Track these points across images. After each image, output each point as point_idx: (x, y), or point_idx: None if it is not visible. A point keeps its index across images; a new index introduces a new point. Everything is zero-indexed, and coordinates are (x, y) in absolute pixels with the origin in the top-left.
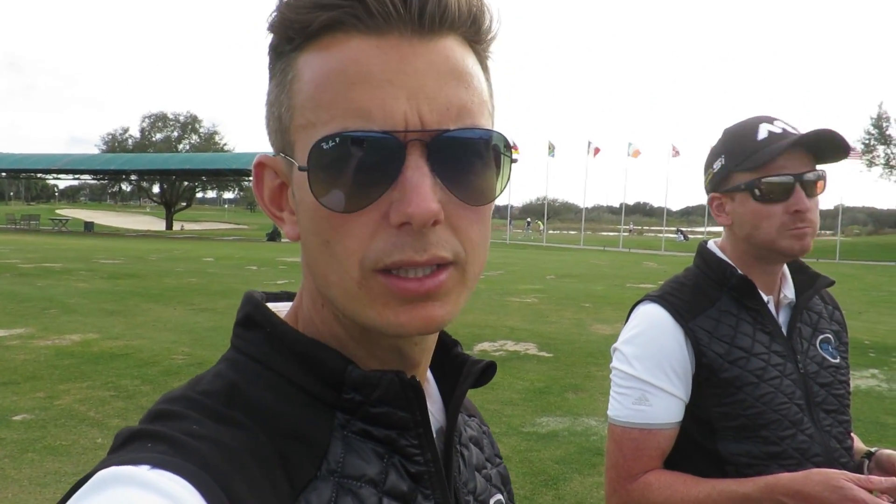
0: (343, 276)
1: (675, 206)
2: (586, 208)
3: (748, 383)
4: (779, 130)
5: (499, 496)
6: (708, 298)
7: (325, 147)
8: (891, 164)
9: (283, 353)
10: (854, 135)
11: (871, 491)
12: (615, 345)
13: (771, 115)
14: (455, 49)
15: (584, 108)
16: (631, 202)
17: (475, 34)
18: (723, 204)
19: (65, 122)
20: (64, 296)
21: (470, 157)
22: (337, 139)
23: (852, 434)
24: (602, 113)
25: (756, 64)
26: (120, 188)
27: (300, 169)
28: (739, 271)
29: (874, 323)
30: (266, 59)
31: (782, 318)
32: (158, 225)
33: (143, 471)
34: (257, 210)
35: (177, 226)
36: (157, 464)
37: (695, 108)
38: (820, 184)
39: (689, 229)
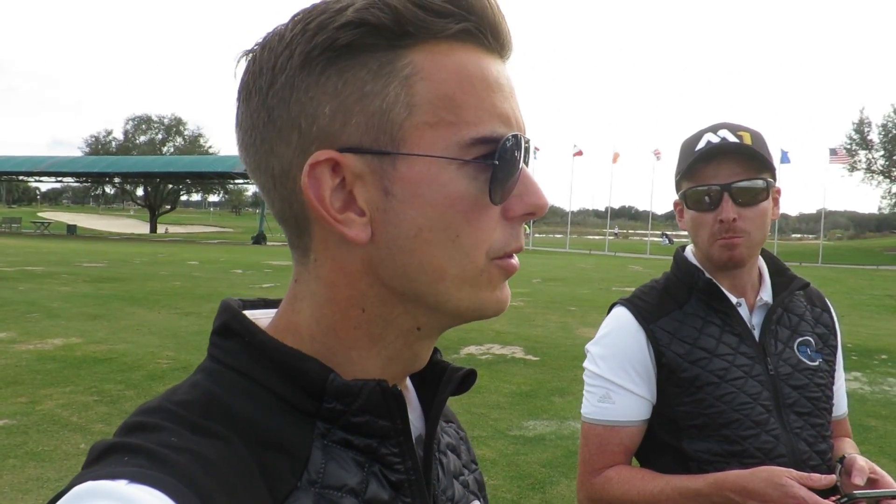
0: (466, 266)
1: (660, 210)
2: (572, 212)
3: (709, 383)
4: (717, 140)
5: (476, 502)
6: (675, 301)
7: (507, 145)
8: (872, 168)
9: (261, 362)
10: (837, 140)
11: (811, 488)
12: (587, 345)
13: (728, 122)
14: None
15: (568, 110)
16: (616, 206)
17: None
18: (682, 210)
19: (46, 125)
20: (46, 299)
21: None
22: (512, 138)
23: (844, 438)
24: (587, 116)
25: (741, 68)
26: (103, 191)
27: (487, 163)
28: (706, 275)
29: (856, 326)
30: (302, 51)
31: (756, 320)
32: (142, 228)
33: (121, 485)
34: (243, 213)
35: (161, 229)
36: (134, 478)
37: (679, 111)
38: (759, 192)
39: (673, 233)
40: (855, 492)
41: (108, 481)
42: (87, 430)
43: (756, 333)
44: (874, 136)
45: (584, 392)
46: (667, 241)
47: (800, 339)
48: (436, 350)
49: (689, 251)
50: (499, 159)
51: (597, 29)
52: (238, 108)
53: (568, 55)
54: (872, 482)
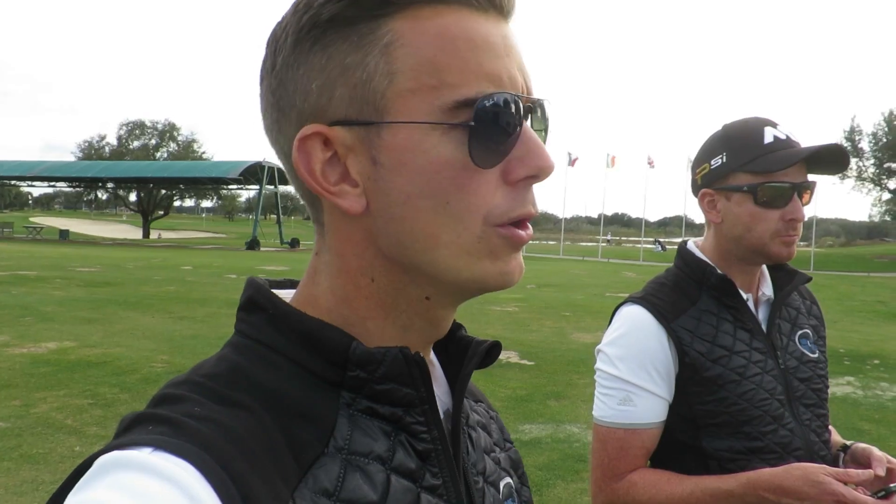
0: (461, 233)
1: (653, 217)
2: (565, 218)
3: (730, 381)
4: (783, 136)
5: (507, 479)
6: (688, 298)
7: (487, 105)
8: (862, 176)
9: (286, 333)
10: None
11: (847, 483)
12: (599, 346)
13: (764, 118)
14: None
15: (562, 118)
16: (609, 213)
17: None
18: (715, 201)
19: (39, 129)
20: (39, 304)
21: (547, 124)
22: (494, 98)
23: (830, 427)
24: (580, 123)
25: (732, 77)
26: (96, 196)
27: (464, 126)
28: (719, 270)
29: (848, 332)
30: (293, 32)
31: (761, 315)
32: (135, 233)
33: (145, 454)
34: (236, 219)
35: (154, 234)
36: (158, 446)
37: (671, 119)
38: (809, 194)
39: (666, 240)
40: (892, 485)
41: (133, 450)
42: (81, 434)
43: (763, 328)
44: (865, 144)
45: (597, 394)
46: (660, 248)
47: (800, 332)
48: (460, 325)
49: (694, 246)
50: (476, 120)
51: (589, 38)
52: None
53: (561, 63)
54: (890, 471)
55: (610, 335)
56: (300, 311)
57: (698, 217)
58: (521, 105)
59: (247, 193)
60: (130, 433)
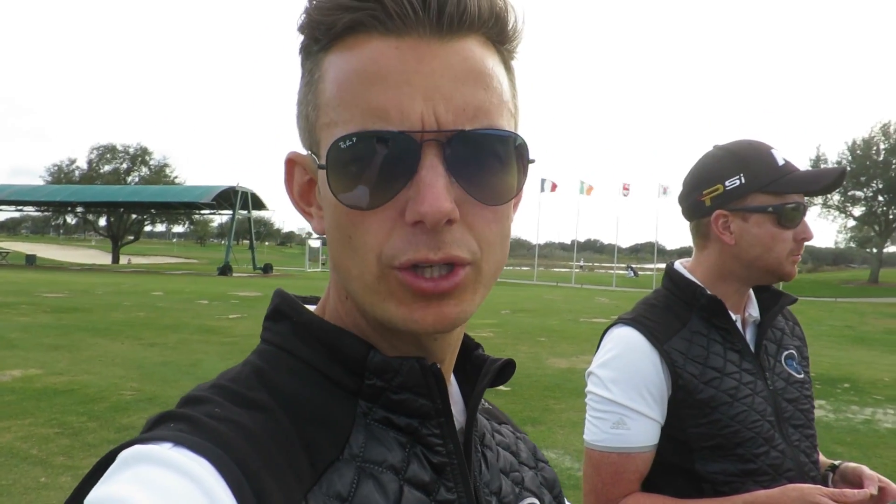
0: (363, 270)
1: (625, 244)
2: (539, 244)
3: (723, 403)
4: (787, 160)
5: (532, 499)
6: (679, 319)
7: (342, 146)
8: (828, 204)
9: (308, 341)
10: None
11: None
12: (590, 369)
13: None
14: (474, 50)
15: (537, 145)
16: (582, 239)
17: (499, 35)
18: (728, 222)
19: (7, 154)
20: (3, 330)
21: (486, 157)
22: (354, 138)
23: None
24: (553, 150)
25: (702, 106)
26: (64, 220)
27: (319, 167)
28: (708, 292)
29: (818, 356)
30: (298, 60)
31: (749, 337)
32: (104, 259)
33: (164, 449)
34: (208, 244)
35: (123, 259)
36: (177, 442)
37: (643, 148)
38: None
39: (638, 266)
40: (891, 502)
41: (154, 445)
42: (47, 464)
43: (751, 349)
44: None
45: (588, 418)
46: (632, 274)
47: (786, 352)
48: (478, 345)
49: (682, 267)
50: (327, 161)
51: (563, 66)
52: None
53: (536, 89)
54: (881, 490)
55: (602, 357)
56: (321, 318)
57: (669, 244)
58: (405, 142)
59: (219, 218)
60: (154, 430)
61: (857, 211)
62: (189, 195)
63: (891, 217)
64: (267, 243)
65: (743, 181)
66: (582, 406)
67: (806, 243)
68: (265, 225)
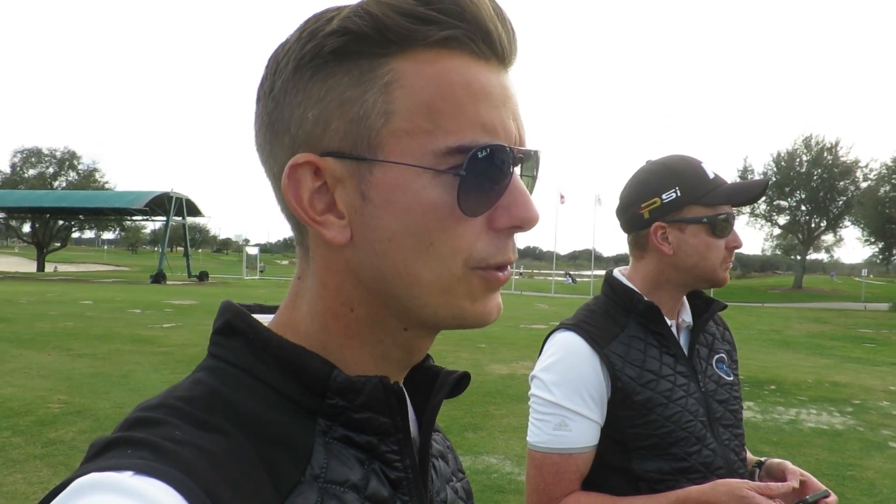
0: (442, 273)
1: (563, 251)
2: None
3: (658, 404)
4: (716, 172)
5: None
6: (618, 325)
7: (480, 156)
8: (755, 212)
9: (264, 359)
10: None
11: (770, 497)
12: (533, 372)
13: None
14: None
15: None
16: (522, 246)
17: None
18: (666, 233)
19: None
20: None
21: (536, 173)
22: (488, 149)
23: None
24: None
25: (631, 117)
26: None
27: (456, 174)
28: (646, 298)
29: (746, 360)
30: (297, 57)
31: (682, 341)
32: (28, 266)
33: (126, 477)
34: (140, 251)
35: (49, 267)
36: (139, 470)
37: (578, 158)
38: None
39: (576, 272)
40: (808, 497)
41: (113, 473)
42: None
43: (685, 353)
44: None
45: (532, 420)
46: (570, 281)
47: (716, 356)
48: (427, 356)
49: (620, 274)
50: (466, 170)
51: None
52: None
53: None
54: (802, 483)
55: (544, 361)
56: (280, 336)
57: (606, 250)
58: (512, 156)
59: (152, 225)
60: (106, 457)
61: (782, 220)
62: (120, 201)
63: (813, 226)
64: (202, 250)
65: (679, 194)
66: (522, 411)
67: (736, 251)
68: (201, 231)
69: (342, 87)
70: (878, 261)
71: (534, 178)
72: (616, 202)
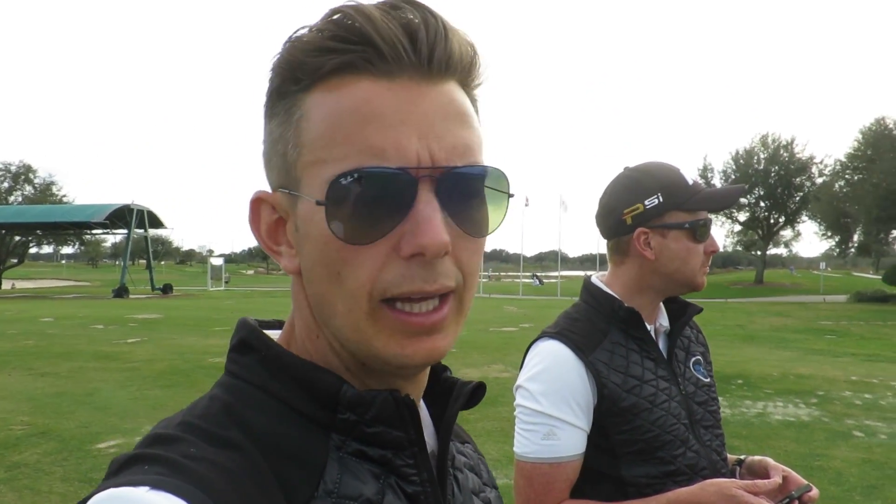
0: (352, 306)
1: (530, 253)
2: None
3: (644, 409)
4: (694, 179)
5: None
6: (600, 331)
7: (343, 182)
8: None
9: (278, 375)
10: None
11: (756, 494)
12: (519, 382)
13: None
14: (456, 92)
15: None
16: (489, 249)
17: (468, 79)
18: (649, 239)
19: None
20: None
21: (474, 192)
22: (354, 174)
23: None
24: None
25: (598, 121)
26: None
27: (318, 203)
28: (626, 304)
29: (713, 355)
30: (263, 100)
31: (661, 345)
32: None
33: (142, 492)
34: (101, 265)
35: (7, 284)
36: (155, 485)
37: (543, 160)
38: None
39: (543, 274)
40: (792, 492)
41: (130, 488)
42: None
43: (664, 357)
44: (716, 180)
45: (519, 431)
46: (537, 282)
47: (693, 358)
48: (445, 367)
49: (598, 281)
50: (327, 198)
51: None
52: None
53: None
54: (784, 479)
55: (529, 371)
56: (291, 353)
57: (572, 251)
58: (406, 178)
59: (113, 238)
60: (125, 473)
61: (742, 216)
62: (79, 214)
63: (772, 222)
64: (165, 262)
65: (661, 200)
66: (496, 415)
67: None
68: (163, 243)
69: (275, 126)
70: (835, 254)
71: (503, 194)
72: (596, 208)
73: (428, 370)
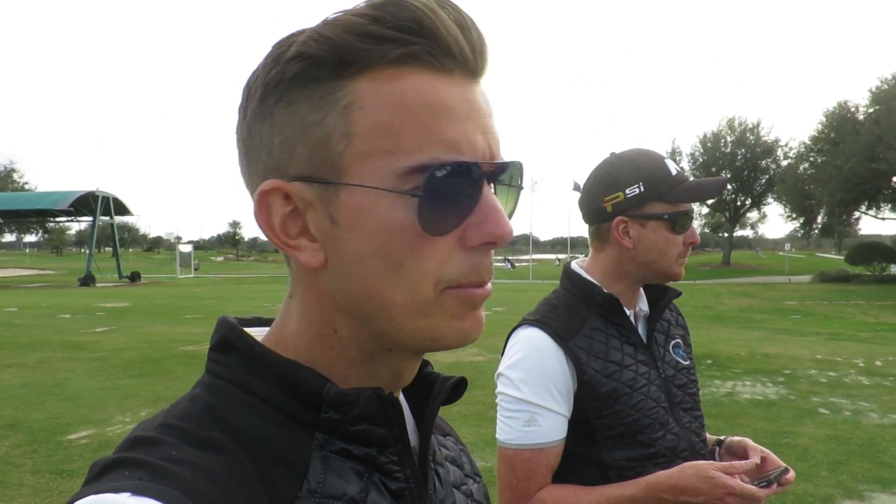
0: (414, 296)
1: None
2: None
3: (623, 394)
4: (678, 169)
5: None
6: (579, 318)
7: (438, 175)
8: None
9: (260, 374)
10: None
11: (733, 475)
12: (500, 370)
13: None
14: (485, 90)
15: None
16: None
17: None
18: (628, 228)
19: None
20: None
21: (514, 185)
22: (448, 168)
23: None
24: None
25: (569, 104)
26: None
27: (412, 195)
28: (605, 290)
29: None
30: (259, 87)
31: (640, 329)
32: None
33: (124, 498)
34: (66, 253)
35: None
36: (137, 490)
37: (512, 144)
38: None
39: (515, 258)
40: (770, 475)
41: (111, 494)
42: None
43: (644, 341)
44: (685, 163)
45: (500, 418)
46: (509, 266)
47: (673, 342)
48: (426, 362)
49: (578, 267)
50: (425, 190)
51: None
52: None
53: None
54: (763, 460)
55: (510, 359)
56: (274, 351)
57: (543, 234)
58: (478, 171)
59: (78, 226)
60: (105, 478)
61: (710, 199)
62: (42, 202)
63: (739, 204)
64: (132, 250)
65: (642, 190)
66: (473, 399)
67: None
68: (130, 231)
69: (304, 112)
70: (800, 235)
71: (517, 188)
72: (580, 193)
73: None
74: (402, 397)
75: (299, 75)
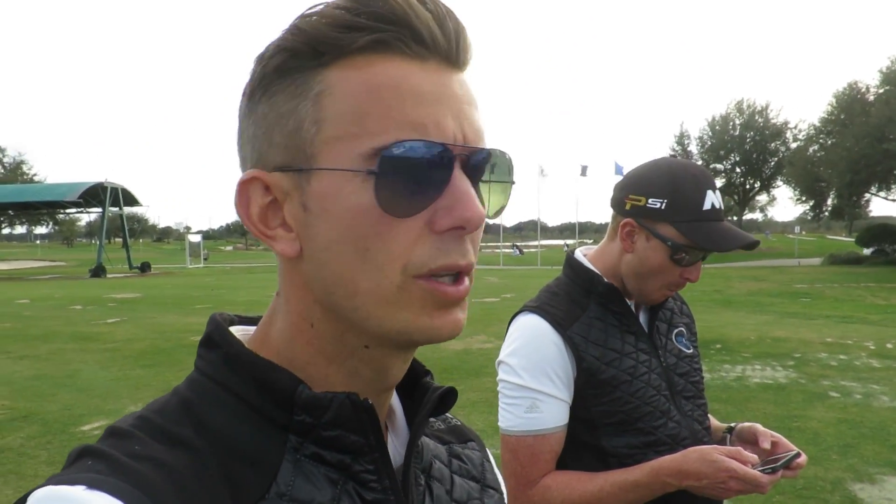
0: (381, 281)
1: (509, 223)
2: None
3: (623, 381)
4: (717, 205)
5: None
6: (579, 306)
7: (395, 152)
8: None
9: (237, 373)
10: (662, 151)
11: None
12: (500, 357)
13: (707, 173)
14: (468, 81)
15: None
16: None
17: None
18: (633, 233)
19: None
20: None
21: (503, 181)
22: (405, 146)
23: (709, 415)
24: None
25: (577, 89)
26: None
27: (369, 173)
28: (605, 280)
29: None
30: (248, 81)
31: (642, 318)
32: None
33: (78, 491)
34: (76, 244)
35: None
36: (91, 484)
37: (521, 129)
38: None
39: (523, 244)
40: (780, 459)
41: (67, 487)
42: None
43: (645, 330)
44: (693, 147)
45: (502, 405)
46: (517, 252)
47: (675, 330)
48: (427, 371)
49: (581, 255)
50: (380, 167)
51: None
52: None
53: None
54: (773, 444)
55: (510, 346)
56: (251, 351)
57: (551, 220)
58: (448, 154)
59: (87, 217)
60: (71, 468)
61: (719, 182)
62: (52, 193)
63: (747, 187)
64: (142, 240)
65: (663, 207)
66: (480, 386)
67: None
68: (139, 221)
69: (281, 103)
70: (809, 218)
71: (507, 182)
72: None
73: (409, 363)
74: (397, 407)
75: (278, 68)
